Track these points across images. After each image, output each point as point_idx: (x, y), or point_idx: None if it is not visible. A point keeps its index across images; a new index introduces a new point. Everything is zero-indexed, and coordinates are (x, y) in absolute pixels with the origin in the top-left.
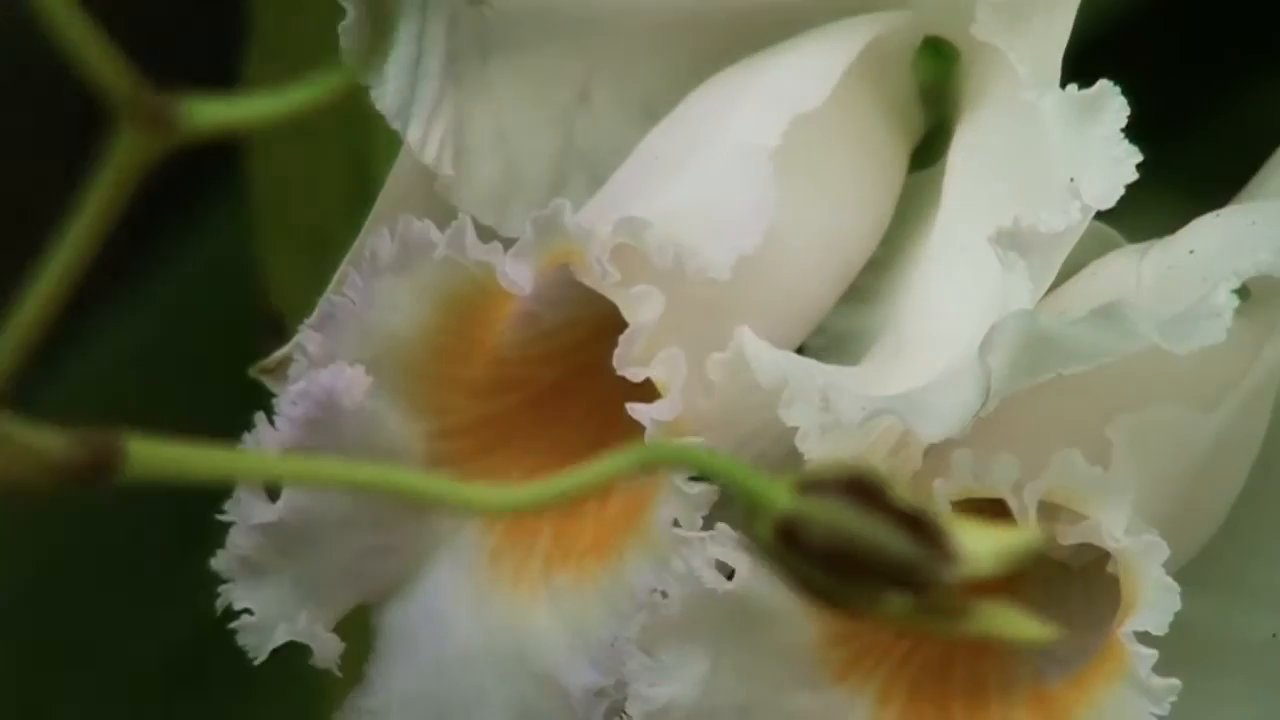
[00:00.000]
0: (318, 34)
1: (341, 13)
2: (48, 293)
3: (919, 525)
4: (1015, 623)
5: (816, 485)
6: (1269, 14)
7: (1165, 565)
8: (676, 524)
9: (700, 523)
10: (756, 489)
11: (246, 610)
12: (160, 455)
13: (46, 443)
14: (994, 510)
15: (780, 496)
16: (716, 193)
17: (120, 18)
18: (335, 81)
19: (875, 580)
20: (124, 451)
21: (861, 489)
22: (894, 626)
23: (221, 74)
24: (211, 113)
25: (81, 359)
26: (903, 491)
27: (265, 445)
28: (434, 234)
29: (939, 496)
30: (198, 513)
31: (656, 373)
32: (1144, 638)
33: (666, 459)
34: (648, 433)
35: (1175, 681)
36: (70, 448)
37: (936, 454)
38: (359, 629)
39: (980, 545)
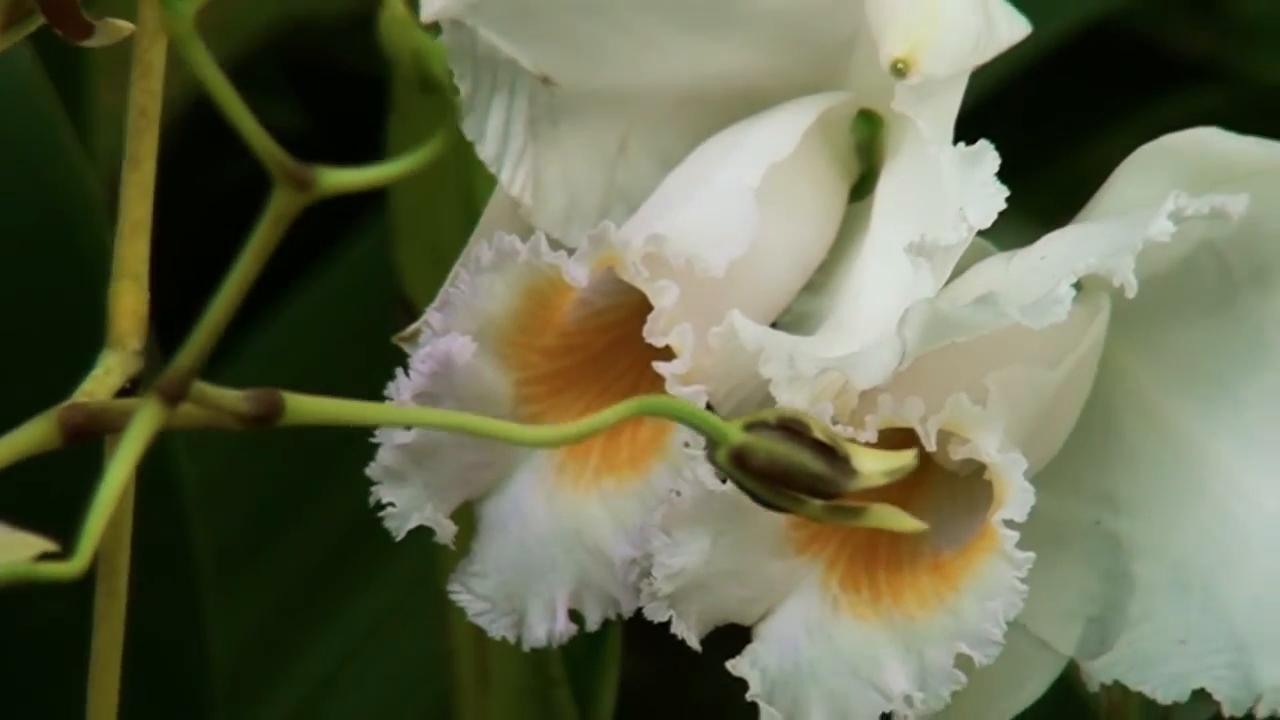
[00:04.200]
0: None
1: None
2: (230, 298)
3: (831, 452)
4: (895, 518)
5: (758, 424)
6: (1099, 82)
7: (1024, 473)
8: (687, 445)
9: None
10: (716, 427)
11: (390, 504)
12: (305, 406)
13: (230, 400)
14: (906, 435)
15: (733, 433)
16: (715, 216)
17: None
18: (414, 160)
19: (800, 490)
20: (282, 404)
21: (790, 427)
22: (817, 521)
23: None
24: (336, 178)
25: (268, 333)
26: (819, 428)
27: (402, 391)
28: (519, 244)
29: (869, 426)
30: (361, 437)
31: (674, 341)
32: (1009, 524)
33: (653, 410)
34: (667, 382)
35: (1031, 554)
36: (247, 401)
37: (867, 397)
38: (466, 517)
39: (873, 465)
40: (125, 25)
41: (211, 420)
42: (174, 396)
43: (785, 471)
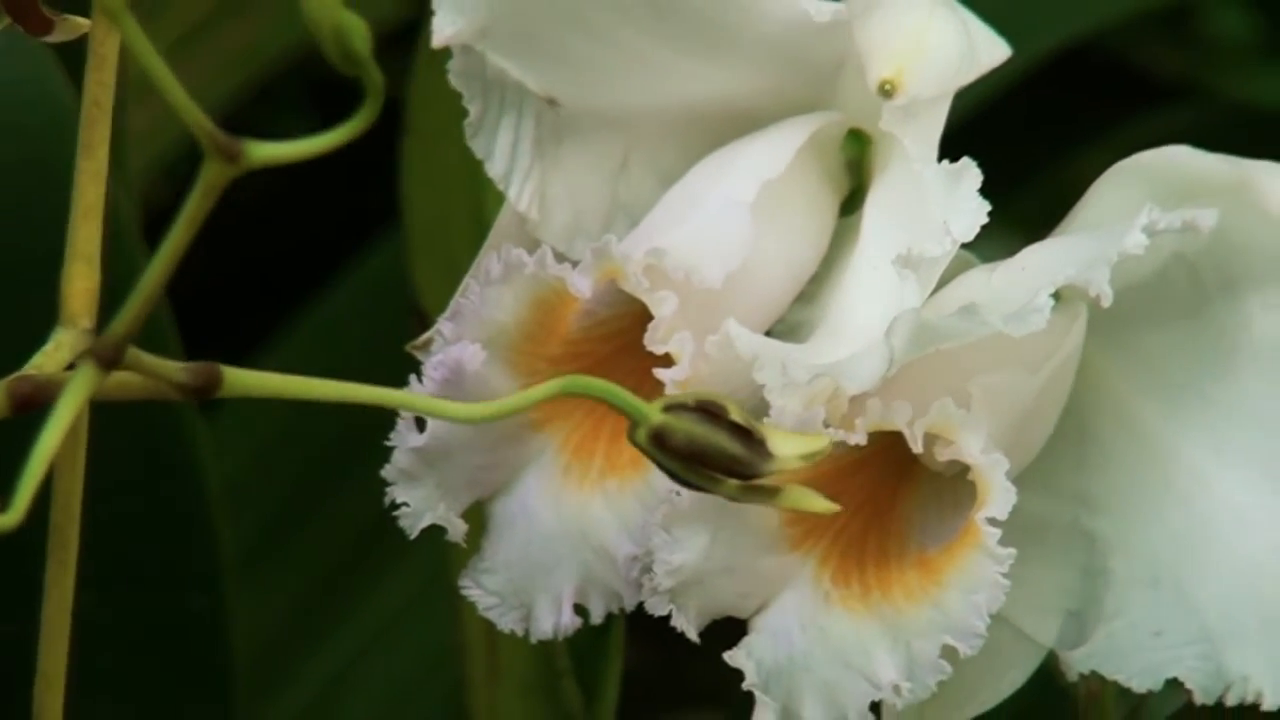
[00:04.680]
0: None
1: (464, 113)
2: (163, 265)
3: (747, 434)
4: (807, 499)
5: (677, 406)
6: (1076, 102)
7: (1006, 474)
8: None
9: None
10: (636, 408)
11: (405, 504)
12: (242, 379)
13: (169, 369)
14: (894, 438)
15: (653, 413)
16: (711, 231)
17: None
18: (336, 136)
19: (717, 469)
20: (220, 376)
21: (708, 409)
22: (730, 499)
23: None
24: (263, 151)
25: (292, 339)
26: (737, 412)
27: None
28: (526, 257)
29: (858, 429)
30: (377, 441)
31: (673, 348)
32: (992, 522)
33: (578, 390)
34: (667, 387)
35: (1013, 550)
36: (185, 372)
37: (857, 402)
38: (477, 517)
39: (788, 448)
40: (82, 22)
41: (150, 391)
42: (110, 362)
43: (702, 452)
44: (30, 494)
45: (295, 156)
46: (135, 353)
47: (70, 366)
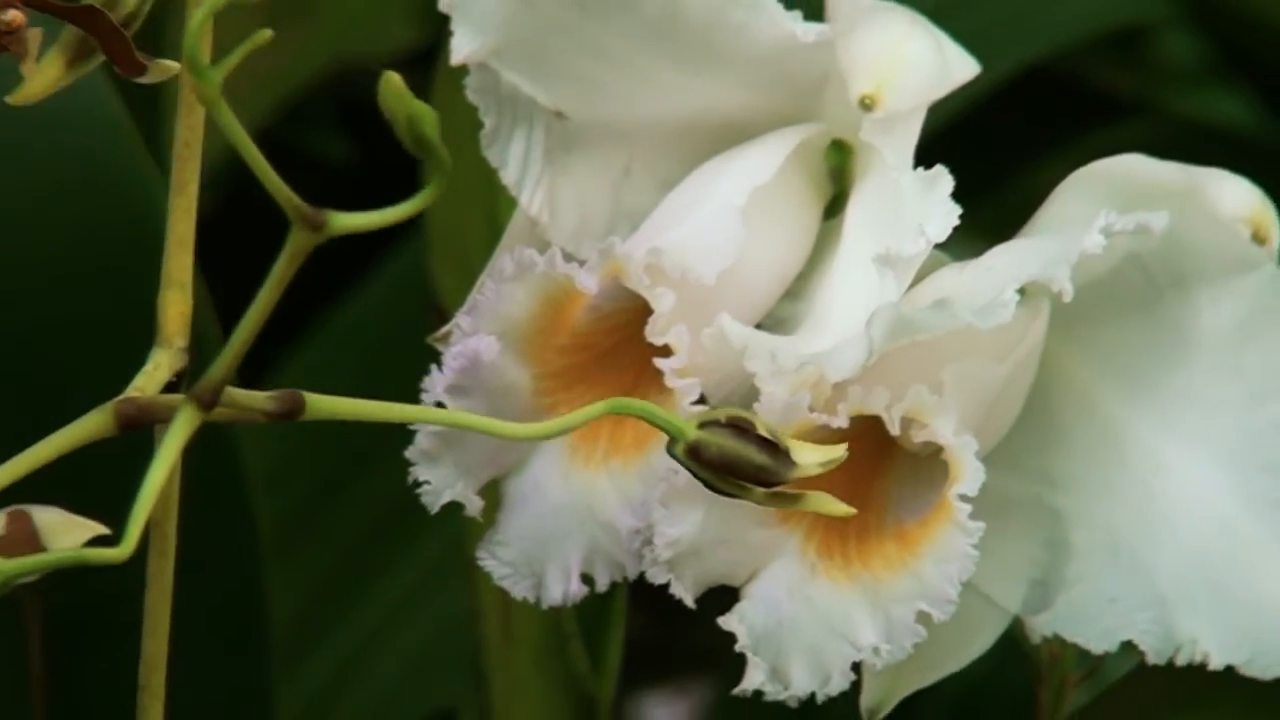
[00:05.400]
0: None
1: (480, 125)
2: (253, 323)
3: (773, 446)
4: (829, 504)
5: (711, 423)
6: (1038, 117)
7: (975, 454)
8: None
9: None
10: (675, 425)
11: (426, 482)
12: (323, 404)
13: (258, 400)
14: (873, 421)
15: (689, 429)
16: (706, 232)
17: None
18: (407, 209)
19: (746, 478)
20: (303, 402)
21: (738, 425)
22: (758, 504)
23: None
24: (343, 221)
25: (321, 332)
26: (763, 426)
27: (436, 384)
28: (537, 257)
29: (840, 413)
30: (399, 425)
31: (671, 340)
32: (963, 498)
33: (622, 410)
34: (665, 376)
35: (981, 524)
36: (272, 401)
37: (840, 388)
38: (493, 494)
39: (809, 457)
40: (173, 65)
41: (242, 417)
42: (209, 405)
43: (734, 463)
44: (140, 528)
45: (371, 226)
46: (229, 391)
47: (169, 386)
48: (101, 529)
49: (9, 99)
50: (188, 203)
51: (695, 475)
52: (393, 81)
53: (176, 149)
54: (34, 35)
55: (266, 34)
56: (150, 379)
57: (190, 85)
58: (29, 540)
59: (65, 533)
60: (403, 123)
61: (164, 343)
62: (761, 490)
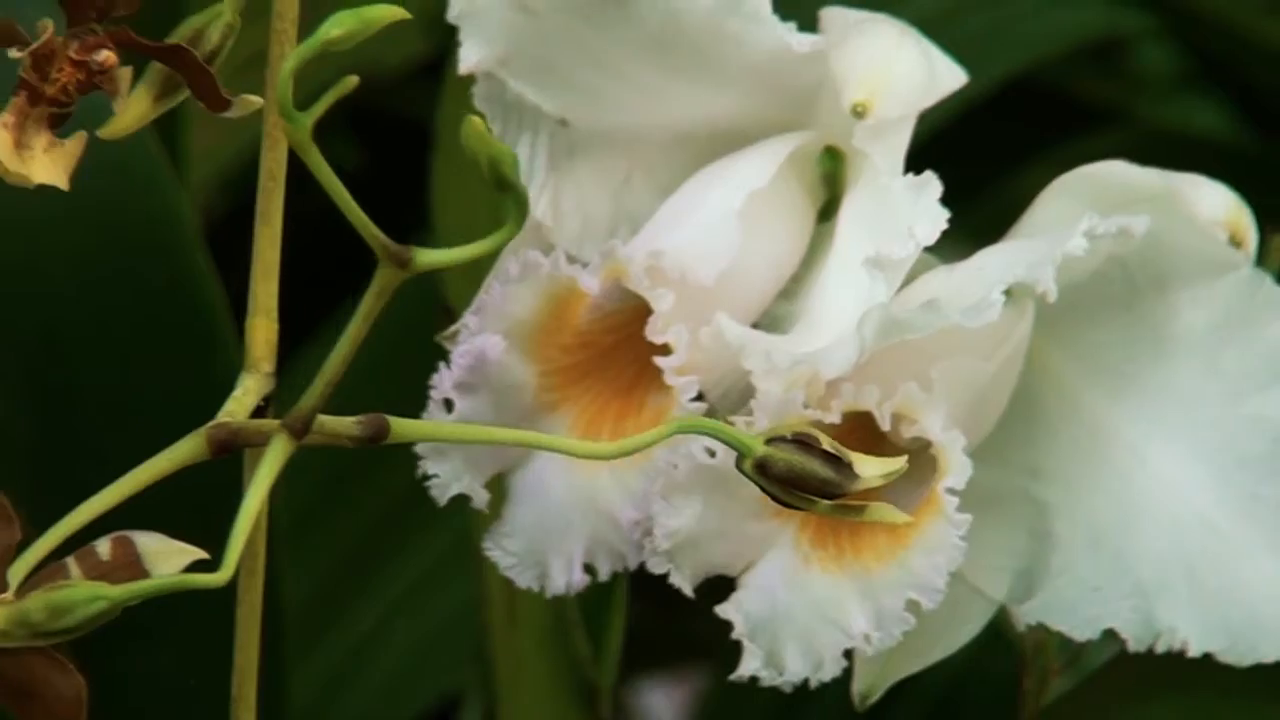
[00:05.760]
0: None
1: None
2: (344, 354)
3: (837, 460)
4: (888, 513)
5: (778, 439)
6: (1022, 126)
7: (963, 449)
8: None
9: None
10: (745, 441)
11: (435, 475)
12: (407, 427)
13: (345, 426)
14: (865, 418)
15: (757, 445)
16: (704, 235)
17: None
18: (491, 243)
19: (811, 491)
20: (388, 427)
21: (803, 440)
22: (823, 515)
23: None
24: (429, 256)
25: (331, 331)
26: (827, 441)
27: (444, 381)
28: (541, 259)
29: (833, 410)
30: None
31: (670, 339)
32: (951, 491)
33: (694, 429)
34: (665, 374)
35: (969, 516)
36: (359, 426)
37: (833, 386)
38: (499, 487)
39: (871, 470)
40: (255, 100)
41: (331, 442)
42: (300, 433)
43: (800, 477)
44: (238, 553)
45: (453, 262)
46: (320, 418)
47: (258, 411)
48: (200, 553)
49: (100, 133)
50: (273, 232)
51: (763, 489)
52: (475, 125)
53: (261, 181)
54: (124, 74)
55: (353, 80)
56: (240, 404)
57: (279, 126)
58: (132, 565)
59: (165, 558)
60: (485, 163)
61: (252, 368)
62: (826, 503)
